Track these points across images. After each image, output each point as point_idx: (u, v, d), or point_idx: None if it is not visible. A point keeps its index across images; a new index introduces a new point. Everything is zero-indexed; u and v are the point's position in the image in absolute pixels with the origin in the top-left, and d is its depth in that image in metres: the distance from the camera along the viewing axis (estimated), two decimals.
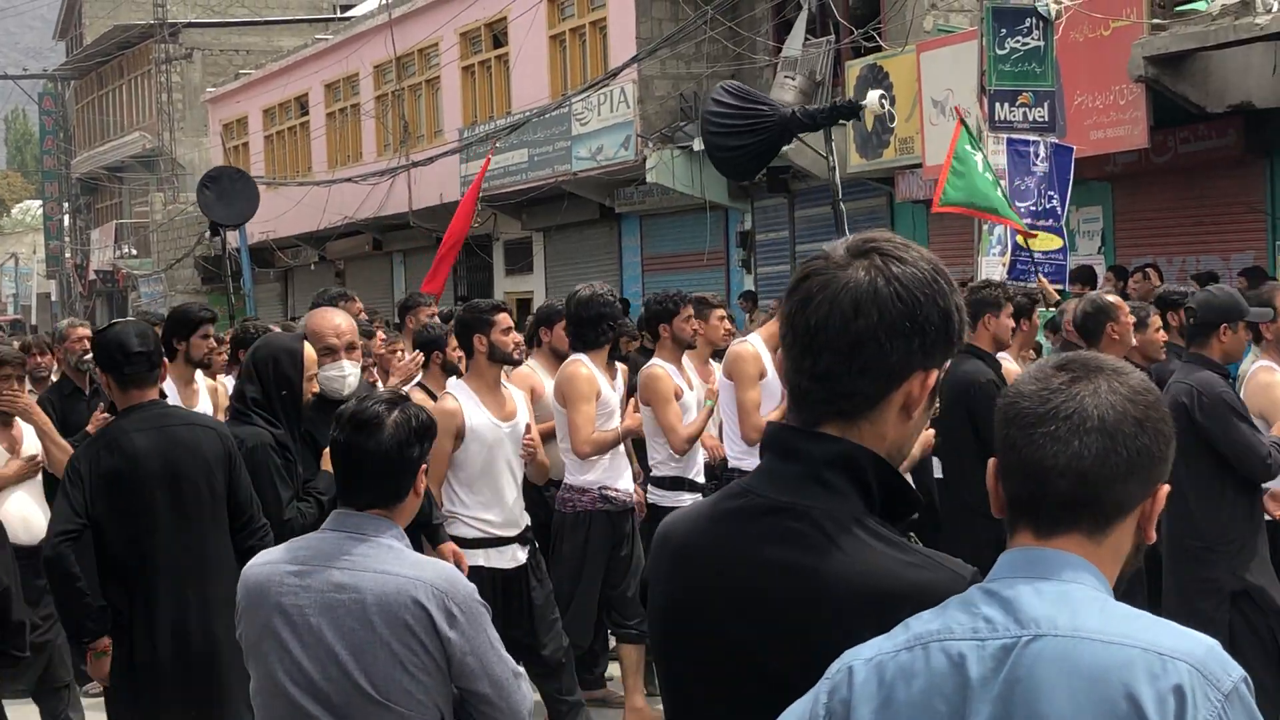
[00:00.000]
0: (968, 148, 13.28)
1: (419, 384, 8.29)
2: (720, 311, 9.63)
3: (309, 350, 6.27)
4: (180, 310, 9.02)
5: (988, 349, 8.23)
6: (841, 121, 13.99)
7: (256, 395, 6.13)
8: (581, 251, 28.54)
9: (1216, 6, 16.98)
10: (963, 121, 13.40)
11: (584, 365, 8.23)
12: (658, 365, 8.74)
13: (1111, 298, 8.44)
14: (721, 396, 8.57)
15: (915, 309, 2.32)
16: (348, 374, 6.57)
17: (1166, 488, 2.18)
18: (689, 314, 8.90)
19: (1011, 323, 8.47)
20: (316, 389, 6.29)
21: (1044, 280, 13.06)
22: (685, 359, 9.04)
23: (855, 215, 21.96)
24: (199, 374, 8.88)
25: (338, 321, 6.79)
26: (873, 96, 13.92)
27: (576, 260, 28.56)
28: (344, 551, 3.72)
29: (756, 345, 8.54)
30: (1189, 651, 1.99)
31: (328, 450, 5.16)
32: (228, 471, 5.86)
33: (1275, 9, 16.00)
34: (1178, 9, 17.03)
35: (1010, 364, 8.41)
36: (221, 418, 8.50)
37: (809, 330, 2.34)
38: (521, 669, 3.89)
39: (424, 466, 3.86)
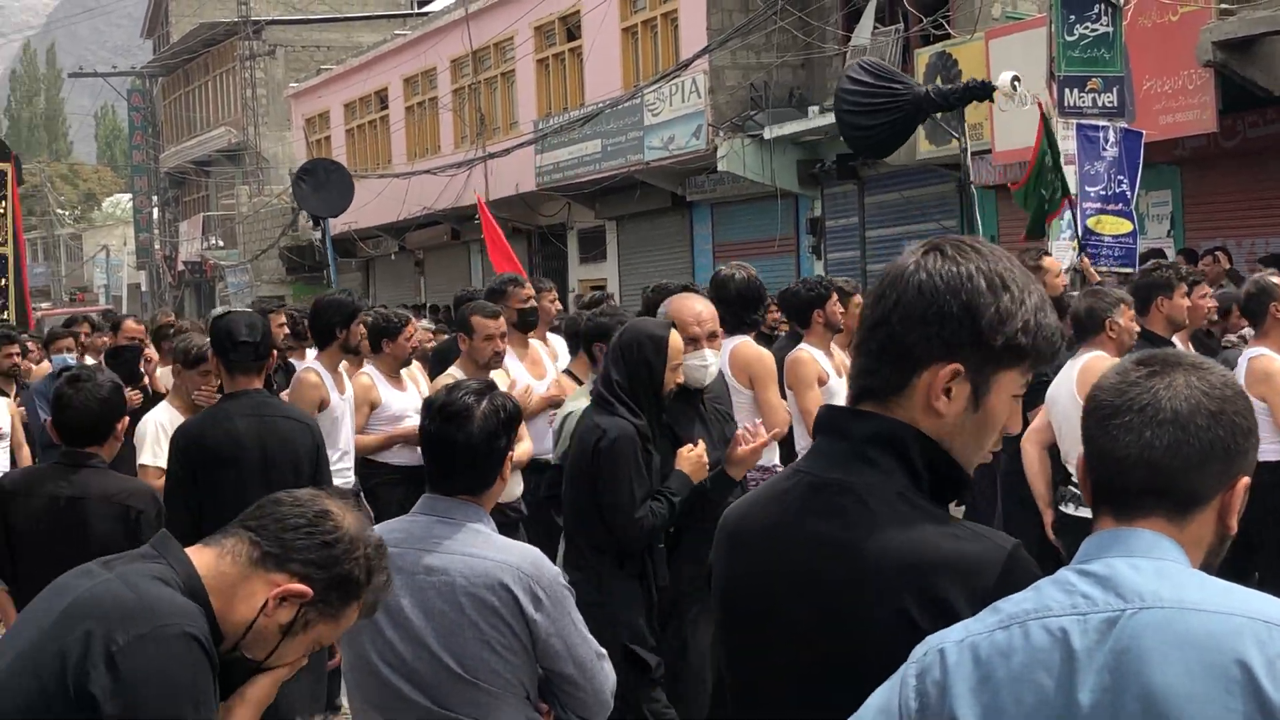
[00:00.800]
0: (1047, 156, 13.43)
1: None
2: (859, 299, 9.14)
3: (675, 338, 5.92)
4: (336, 300, 8.93)
5: (1162, 332, 7.99)
6: (976, 101, 13.98)
7: (622, 382, 5.75)
8: (653, 239, 28.54)
9: None
10: (1044, 119, 13.42)
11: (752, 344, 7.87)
12: (805, 350, 8.45)
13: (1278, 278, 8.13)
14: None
15: (935, 299, 2.37)
16: (709, 363, 6.32)
17: (1246, 480, 2.17)
18: (837, 299, 8.70)
19: (1186, 302, 8.15)
20: (681, 379, 5.98)
21: (1086, 261, 13.03)
22: (832, 345, 8.84)
23: (925, 201, 21.91)
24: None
25: (699, 308, 6.48)
26: (1005, 78, 13.76)
27: (648, 248, 28.57)
28: (434, 535, 3.72)
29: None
30: None
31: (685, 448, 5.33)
32: (314, 465, 5.99)
33: None
34: None
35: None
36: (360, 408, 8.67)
37: (875, 319, 2.46)
38: (604, 650, 3.86)
39: (510, 454, 3.86)
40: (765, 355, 7.77)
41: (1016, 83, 13.88)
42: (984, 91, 13.17)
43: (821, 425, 2.50)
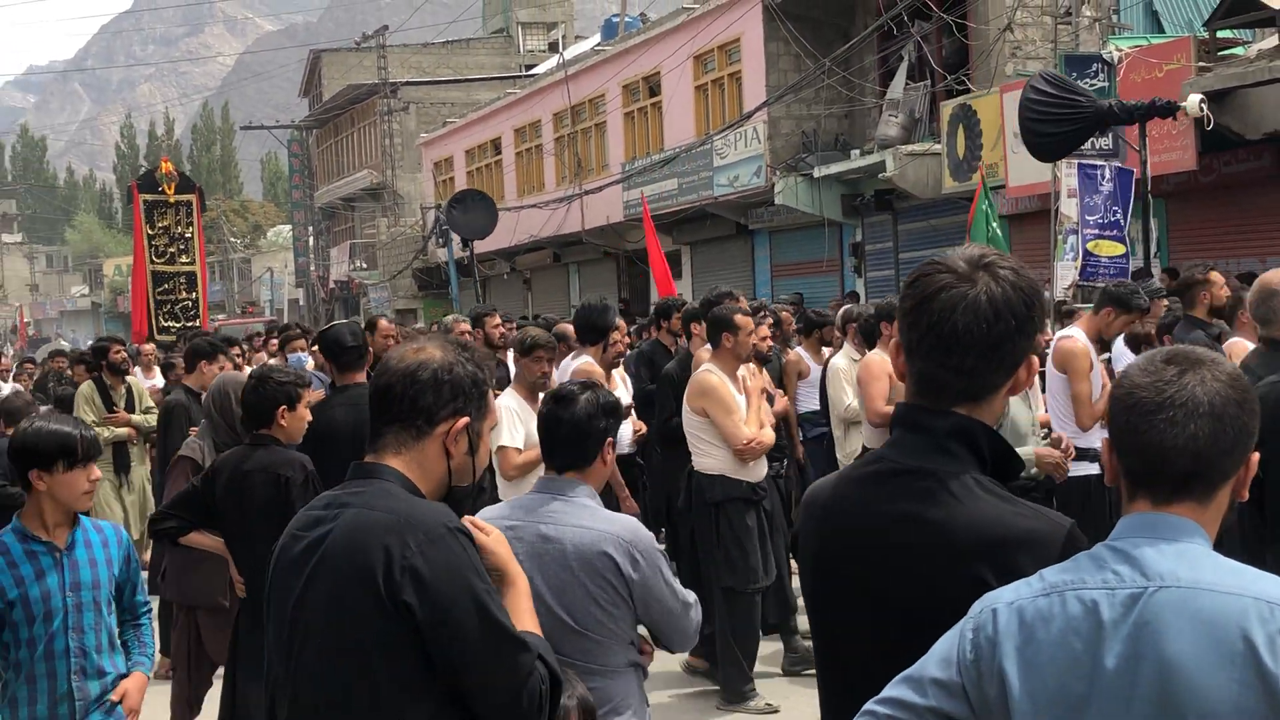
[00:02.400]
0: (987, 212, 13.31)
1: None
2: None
3: None
4: (599, 310, 8.60)
5: (1204, 318, 8.10)
6: (1159, 118, 13.53)
7: None
8: (721, 261, 28.50)
9: (1254, 51, 16.54)
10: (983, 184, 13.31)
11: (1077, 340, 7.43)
12: (1075, 338, 7.59)
13: None
14: (1053, 387, 7.52)
15: (1031, 310, 2.34)
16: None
17: (1256, 455, 2.14)
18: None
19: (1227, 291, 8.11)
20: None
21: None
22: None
23: (949, 228, 21.76)
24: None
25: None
26: (1193, 100, 13.28)
27: (717, 269, 28.52)
28: (548, 509, 3.72)
29: (1084, 340, 7.58)
30: None
31: None
32: None
33: None
34: (1220, 53, 16.63)
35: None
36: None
37: (954, 333, 2.32)
38: (692, 598, 3.87)
39: (610, 440, 3.85)
40: (1075, 352, 7.36)
41: (1203, 104, 13.38)
42: (1168, 110, 12.72)
43: (902, 421, 2.44)
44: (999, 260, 2.37)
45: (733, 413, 7.35)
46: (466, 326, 10.42)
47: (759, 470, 7.50)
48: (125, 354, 12.08)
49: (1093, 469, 7.32)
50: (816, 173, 23.27)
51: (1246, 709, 1.90)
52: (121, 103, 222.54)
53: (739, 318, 7.50)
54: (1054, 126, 12.33)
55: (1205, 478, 2.06)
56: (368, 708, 2.62)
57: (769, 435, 7.50)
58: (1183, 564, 2.00)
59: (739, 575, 7.38)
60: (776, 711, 7.35)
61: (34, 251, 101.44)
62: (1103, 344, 8.07)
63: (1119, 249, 14.27)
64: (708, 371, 7.45)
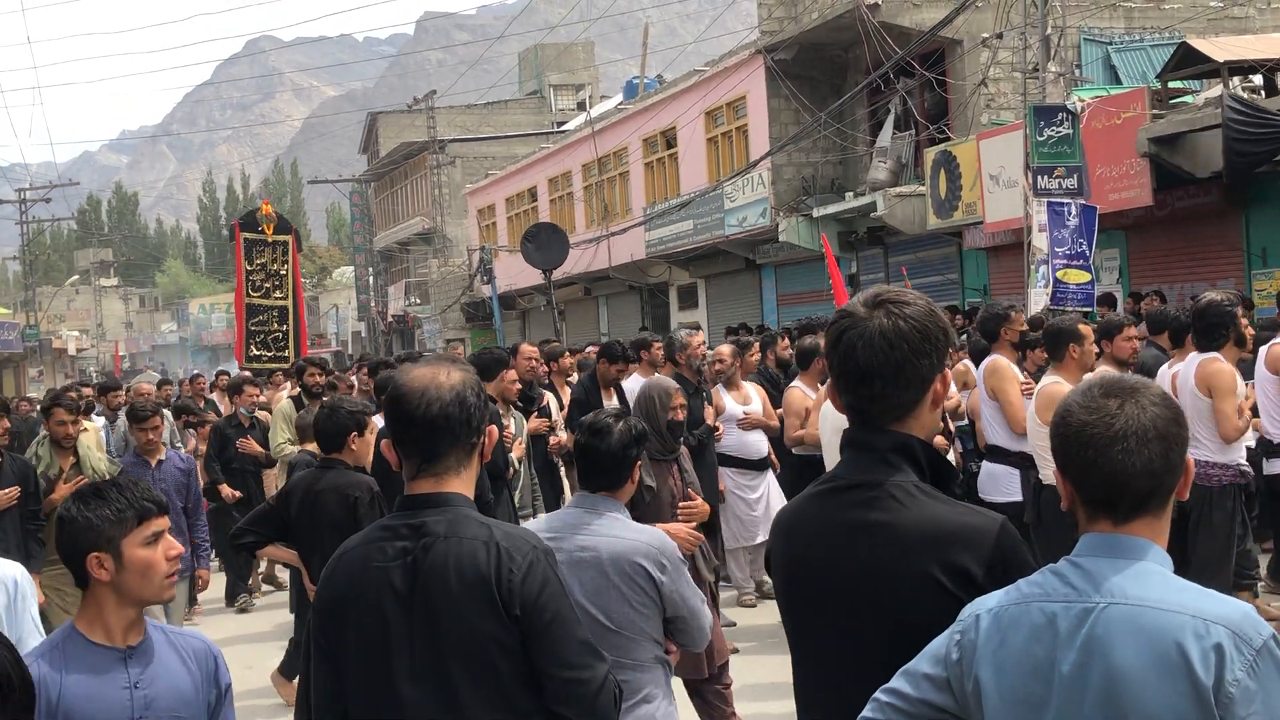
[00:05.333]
0: None
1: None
2: (1130, 331, 7.87)
3: None
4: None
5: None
6: None
7: None
8: (733, 292, 28.49)
9: (1201, 99, 16.50)
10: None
11: (1222, 362, 6.84)
12: (1223, 360, 6.98)
13: None
14: (1197, 404, 6.79)
15: (927, 334, 2.35)
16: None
17: (1191, 459, 2.13)
18: (1130, 334, 7.53)
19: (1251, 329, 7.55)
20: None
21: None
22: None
23: (932, 260, 21.74)
24: None
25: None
26: None
27: (729, 299, 28.52)
28: (585, 523, 3.75)
29: (1229, 364, 6.98)
30: (1227, 616, 1.92)
31: None
32: None
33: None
34: (1172, 101, 16.59)
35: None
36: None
37: (862, 368, 2.36)
38: (705, 597, 3.89)
39: (639, 462, 3.86)
40: (1222, 372, 6.81)
41: None
42: None
43: (849, 444, 2.45)
44: (895, 297, 2.39)
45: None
46: (534, 351, 9.95)
47: None
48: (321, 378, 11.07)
49: None
50: (815, 213, 23.27)
51: (1181, 715, 1.89)
52: (203, 161, 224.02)
53: (1082, 327, 6.82)
54: (1254, 146, 11.95)
55: (1158, 494, 2.05)
56: (502, 699, 2.61)
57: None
58: (1134, 582, 1.99)
59: None
60: None
61: (129, 293, 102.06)
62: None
63: (1085, 276, 14.22)
64: (1058, 384, 6.64)
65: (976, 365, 8.25)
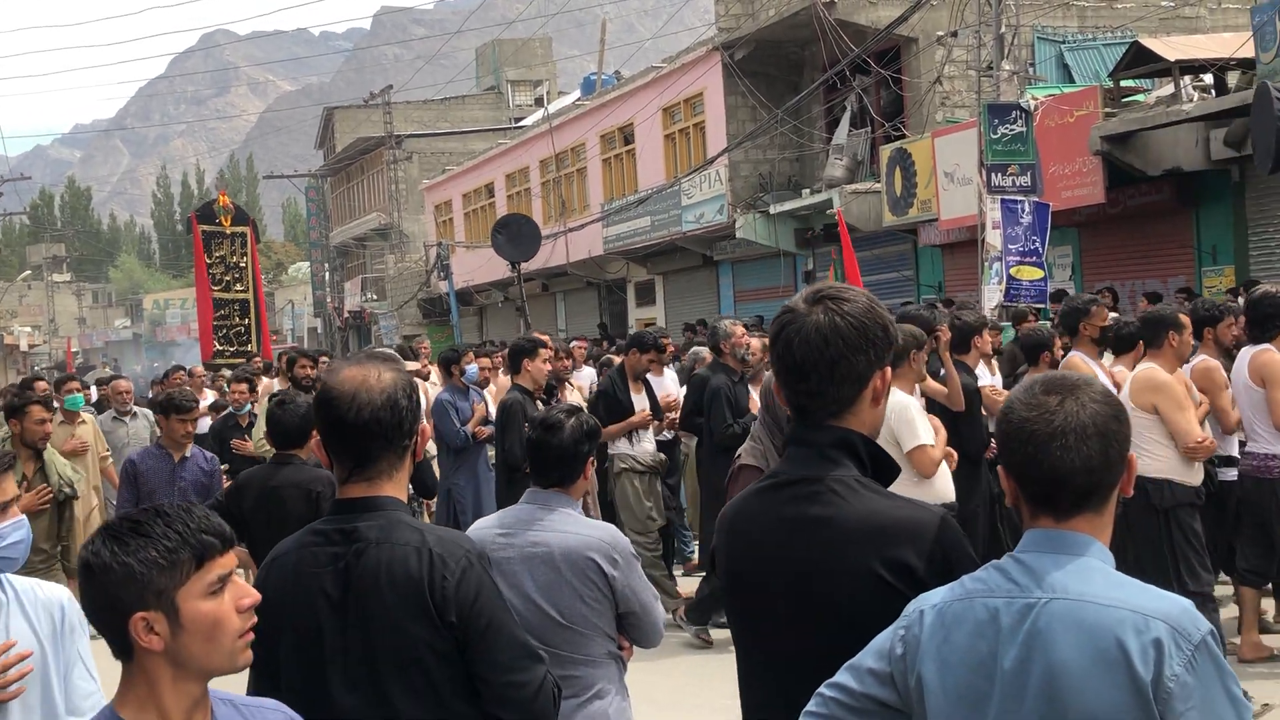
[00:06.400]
0: None
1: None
2: (1231, 319, 7.60)
3: None
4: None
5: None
6: None
7: None
8: (690, 289, 28.51)
9: (1153, 98, 16.67)
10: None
11: (1275, 352, 6.77)
12: (1276, 351, 6.95)
13: None
14: (1251, 395, 6.83)
15: (865, 330, 2.34)
16: None
17: (1134, 455, 2.13)
18: (1231, 321, 7.42)
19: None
20: None
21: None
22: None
23: (889, 258, 21.84)
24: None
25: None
26: None
27: (686, 295, 28.55)
28: (537, 518, 3.73)
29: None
30: (1167, 612, 1.93)
31: None
32: None
33: (1196, 99, 15.67)
34: (1124, 100, 16.75)
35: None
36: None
37: (799, 363, 2.36)
38: (657, 593, 3.87)
39: (591, 459, 3.84)
40: (1274, 361, 6.74)
41: None
42: None
43: (791, 440, 2.45)
44: (835, 294, 2.38)
45: (1185, 409, 6.45)
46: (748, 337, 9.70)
47: (1200, 473, 6.58)
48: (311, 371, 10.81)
49: None
50: (772, 210, 23.33)
51: (1121, 710, 1.89)
52: (157, 156, 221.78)
53: (1182, 316, 6.70)
54: None
55: (1099, 491, 2.05)
56: (437, 705, 2.60)
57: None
58: (1075, 578, 1.99)
59: (1200, 579, 6.43)
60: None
61: (82, 289, 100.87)
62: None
63: (1038, 273, 14.33)
64: (1153, 369, 6.51)
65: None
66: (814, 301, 2.38)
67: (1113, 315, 8.69)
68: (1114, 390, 6.76)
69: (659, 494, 9.14)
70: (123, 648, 2.04)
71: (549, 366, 7.94)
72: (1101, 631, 1.92)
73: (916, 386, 6.85)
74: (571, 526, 3.69)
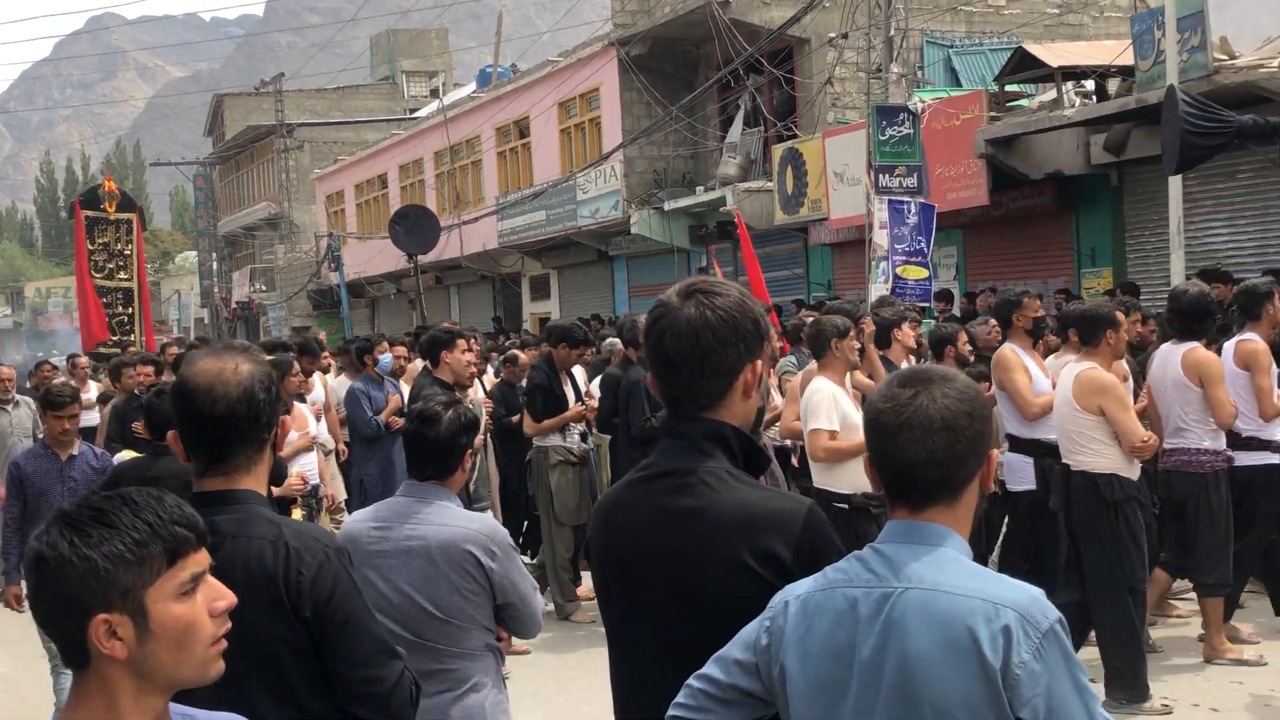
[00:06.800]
0: None
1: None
2: (1136, 315, 7.78)
3: None
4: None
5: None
6: None
7: None
8: (585, 283, 28.50)
9: (1036, 103, 17.06)
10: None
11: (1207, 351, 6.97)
12: (1256, 340, 7.16)
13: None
14: (1184, 393, 6.96)
15: (735, 324, 2.36)
16: None
17: (996, 452, 2.16)
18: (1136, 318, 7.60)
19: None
20: None
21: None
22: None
23: (779, 255, 22.04)
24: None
25: None
26: None
27: (582, 290, 28.53)
28: (413, 511, 3.70)
29: (1262, 342, 7.19)
30: (1016, 600, 1.96)
31: None
32: None
33: (1078, 104, 16.07)
34: (1008, 104, 17.09)
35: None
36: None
37: (670, 356, 2.37)
38: (536, 585, 3.86)
39: (469, 450, 3.82)
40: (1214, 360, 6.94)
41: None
42: None
43: (665, 432, 2.47)
44: (707, 288, 2.40)
45: (1129, 409, 6.48)
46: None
47: (1138, 468, 6.59)
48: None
49: (1274, 458, 7.08)
50: (667, 206, 23.41)
51: (972, 698, 1.92)
52: (41, 141, 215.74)
53: (1119, 315, 6.72)
54: (1205, 140, 12.21)
55: (949, 484, 2.07)
56: (291, 702, 2.57)
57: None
58: (930, 568, 2.02)
59: (1136, 574, 6.47)
60: (1171, 712, 6.38)
61: None
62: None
63: (923, 273, 14.55)
64: (1094, 369, 6.51)
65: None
66: (686, 296, 2.39)
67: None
68: (1046, 384, 7.08)
69: (587, 487, 9.15)
70: (78, 654, 1.77)
71: (469, 358, 7.72)
72: (954, 620, 1.95)
73: (848, 377, 6.90)
74: (448, 519, 3.66)
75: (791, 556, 2.24)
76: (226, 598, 1.87)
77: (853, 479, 6.33)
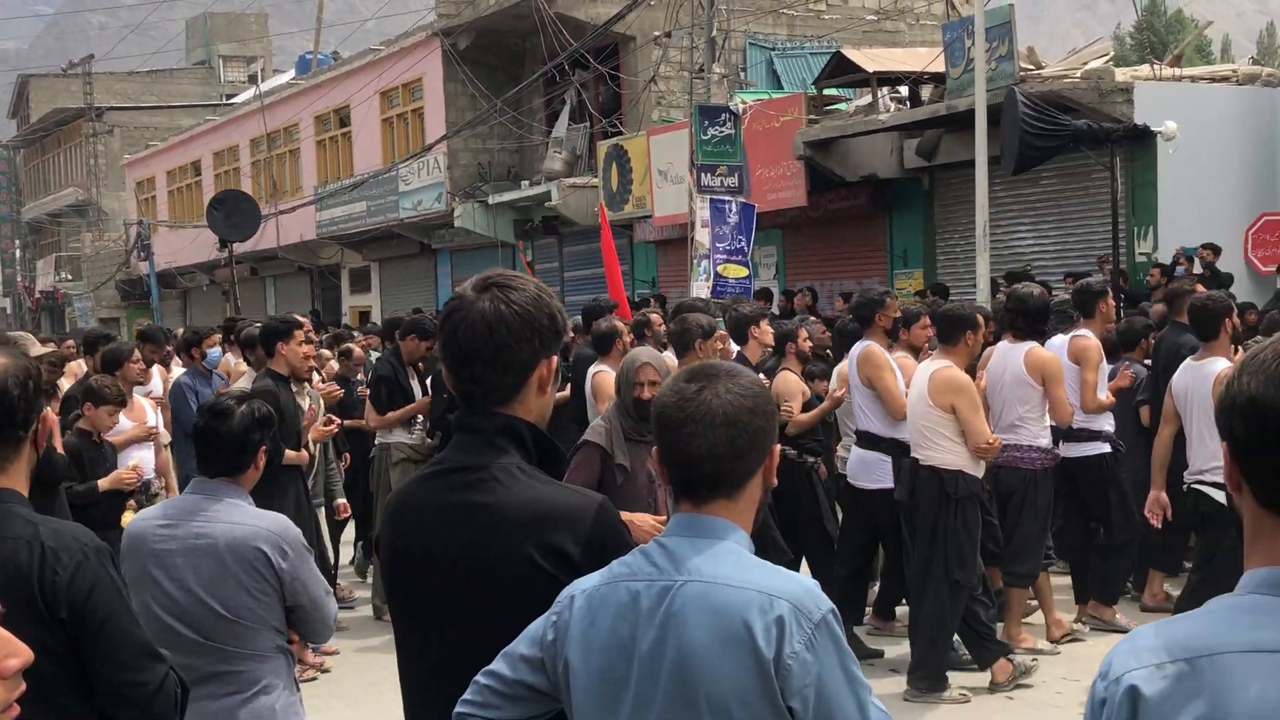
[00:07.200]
0: None
1: None
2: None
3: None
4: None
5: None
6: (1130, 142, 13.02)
7: None
8: (407, 277, 28.15)
9: (852, 107, 17.48)
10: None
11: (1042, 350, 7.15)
12: (1089, 336, 7.50)
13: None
14: (1021, 391, 7.11)
15: (529, 319, 2.33)
16: None
17: (778, 446, 2.18)
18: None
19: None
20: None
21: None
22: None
23: None
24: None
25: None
26: (1170, 126, 12.95)
27: (404, 284, 28.17)
28: (201, 509, 3.59)
29: (1095, 339, 7.51)
30: (790, 592, 1.98)
31: None
32: None
33: (892, 109, 16.51)
34: (826, 108, 17.47)
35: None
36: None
37: (463, 350, 2.34)
38: (329, 587, 3.77)
39: (263, 446, 3.72)
40: (1053, 359, 7.11)
41: (1177, 131, 12.99)
42: (1140, 134, 12.69)
43: (458, 426, 2.43)
44: (504, 281, 2.37)
45: (979, 410, 6.58)
46: None
47: (984, 466, 6.70)
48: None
49: (1104, 447, 7.44)
50: (491, 200, 23.29)
51: (746, 689, 1.94)
52: None
53: (979, 316, 6.83)
54: (1042, 141, 12.40)
55: (731, 478, 2.09)
56: (49, 704, 2.46)
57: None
58: (710, 561, 2.03)
59: (967, 570, 6.58)
60: (969, 701, 6.53)
61: None
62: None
63: (743, 271, 14.77)
64: (950, 368, 6.58)
65: (844, 350, 8.02)
66: (482, 289, 2.36)
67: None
68: (896, 381, 7.16)
69: None
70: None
71: (307, 350, 7.45)
72: (730, 612, 1.96)
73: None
74: (238, 517, 3.57)
75: (580, 553, 2.22)
76: (20, 656, 1.52)
77: None
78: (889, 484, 7.18)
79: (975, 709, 6.50)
